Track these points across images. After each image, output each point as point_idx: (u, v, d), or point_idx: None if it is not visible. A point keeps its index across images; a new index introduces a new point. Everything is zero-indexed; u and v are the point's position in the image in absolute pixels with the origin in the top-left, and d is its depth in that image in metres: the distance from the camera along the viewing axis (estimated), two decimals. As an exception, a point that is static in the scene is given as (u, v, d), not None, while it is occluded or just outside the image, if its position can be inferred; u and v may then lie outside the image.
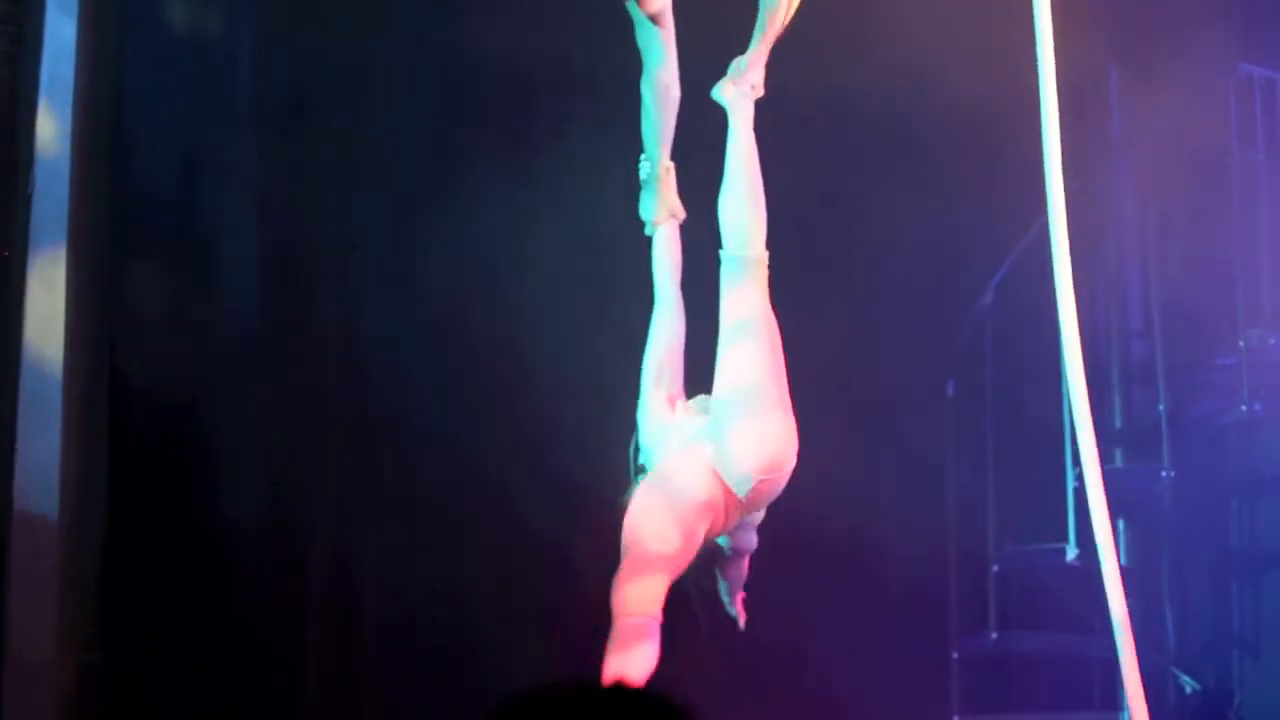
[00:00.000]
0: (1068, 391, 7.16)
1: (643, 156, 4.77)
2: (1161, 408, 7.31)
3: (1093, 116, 7.63)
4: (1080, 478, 7.10)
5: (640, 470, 4.70)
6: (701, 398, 4.70)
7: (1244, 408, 7.13)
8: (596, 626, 6.56)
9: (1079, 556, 7.08)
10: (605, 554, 6.69)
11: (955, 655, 7.32)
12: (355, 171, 6.55)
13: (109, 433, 5.77)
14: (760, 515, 4.78)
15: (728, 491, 4.51)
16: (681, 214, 4.76)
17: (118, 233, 5.91)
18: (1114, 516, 7.54)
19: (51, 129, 5.61)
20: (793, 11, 4.66)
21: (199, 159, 6.26)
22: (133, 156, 6.02)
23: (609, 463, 6.29)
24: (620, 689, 2.25)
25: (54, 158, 5.61)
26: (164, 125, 6.13)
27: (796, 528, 7.04)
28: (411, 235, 6.58)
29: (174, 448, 6.04)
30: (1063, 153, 7.20)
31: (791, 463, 4.59)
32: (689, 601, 6.83)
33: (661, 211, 4.72)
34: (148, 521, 5.86)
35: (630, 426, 4.77)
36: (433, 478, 6.42)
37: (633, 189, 4.88)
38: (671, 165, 4.75)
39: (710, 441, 4.51)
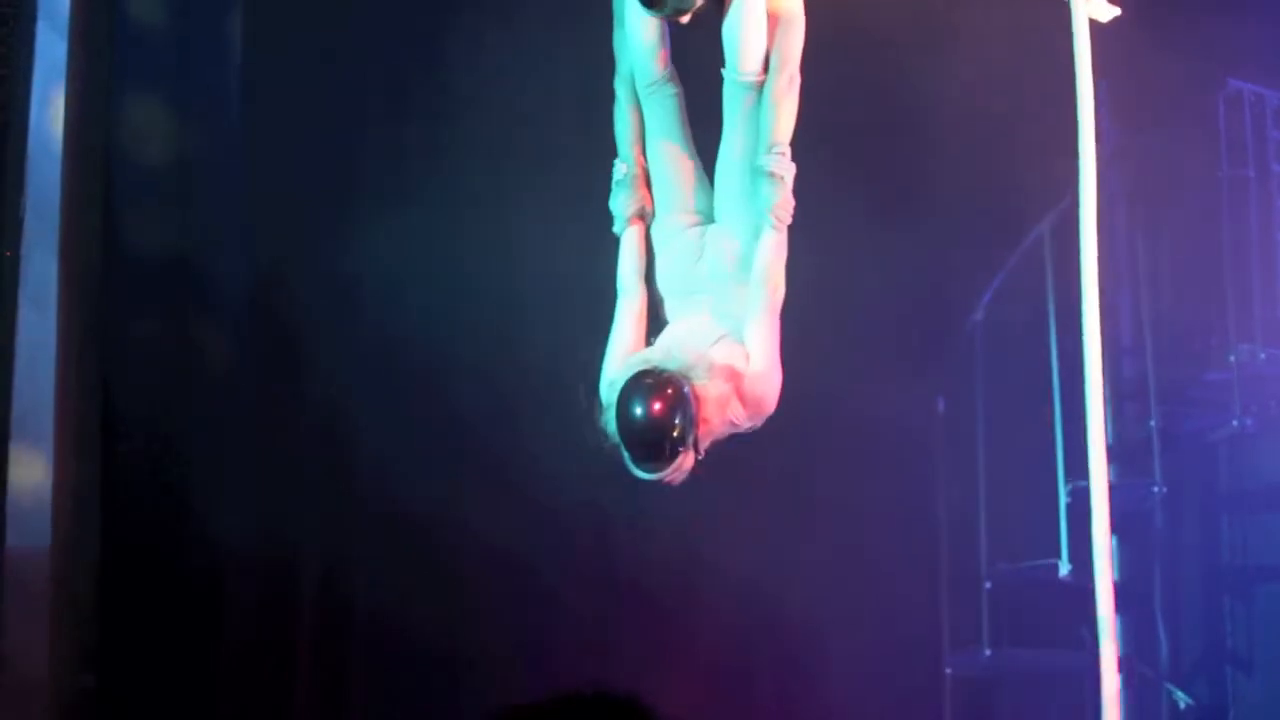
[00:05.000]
0: (1058, 407, 7.26)
1: (617, 159, 4.80)
2: (1153, 423, 7.32)
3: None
4: (1072, 493, 7.18)
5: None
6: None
7: (1235, 423, 7.13)
8: (584, 652, 6.60)
9: (1071, 572, 7.08)
10: (594, 580, 6.75)
11: (948, 672, 7.33)
12: (350, 196, 6.55)
13: (101, 453, 5.77)
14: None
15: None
16: (652, 213, 4.79)
17: (110, 252, 5.91)
18: (1106, 532, 7.59)
19: (43, 148, 5.62)
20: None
21: (191, 176, 6.25)
22: (125, 175, 6.01)
23: (598, 488, 6.32)
24: (603, 700, 2.25)
25: (46, 176, 5.61)
26: (155, 142, 6.12)
27: (789, 543, 7.07)
28: (405, 259, 6.59)
29: (167, 469, 6.02)
30: (1053, 169, 7.27)
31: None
32: (687, 615, 6.88)
33: (633, 209, 4.76)
34: (141, 542, 5.85)
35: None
36: (423, 504, 6.40)
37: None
38: (645, 164, 4.79)
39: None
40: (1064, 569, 7.10)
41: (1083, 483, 7.22)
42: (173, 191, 6.16)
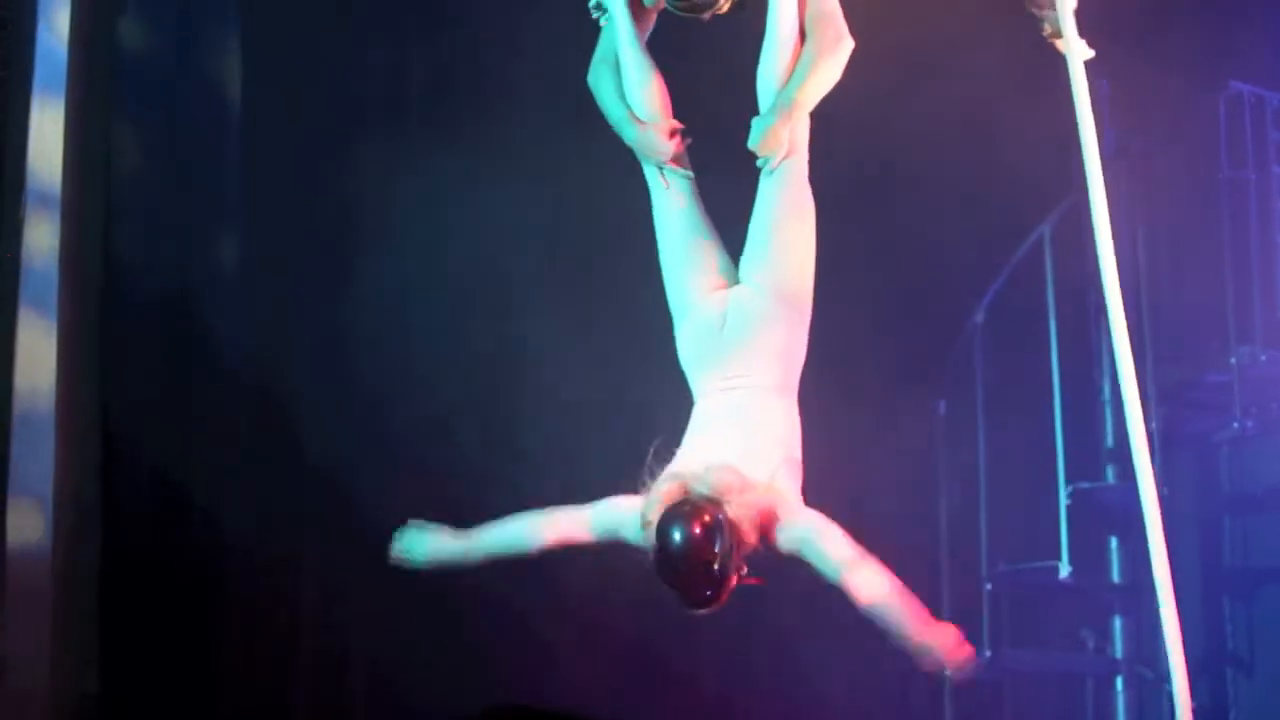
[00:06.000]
0: (1059, 409, 7.26)
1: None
2: (1153, 425, 7.30)
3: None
4: (1072, 495, 7.19)
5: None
6: None
7: (1235, 425, 7.13)
8: (581, 651, 6.60)
9: (1071, 574, 7.09)
10: (591, 585, 6.75)
11: (948, 673, 7.32)
12: (347, 220, 6.57)
13: (102, 457, 5.76)
14: None
15: None
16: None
17: (111, 255, 5.91)
18: (1106, 534, 7.61)
19: (43, 151, 5.62)
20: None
21: (191, 180, 6.25)
22: (125, 179, 6.01)
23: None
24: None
25: (46, 179, 5.61)
26: (155, 147, 6.12)
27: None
28: (401, 290, 6.61)
29: (168, 472, 6.02)
30: (1053, 170, 7.27)
31: None
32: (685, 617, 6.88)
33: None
34: (142, 546, 5.85)
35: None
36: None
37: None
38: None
39: None
40: (1064, 571, 7.10)
41: (1083, 484, 7.28)
42: (174, 195, 6.16)
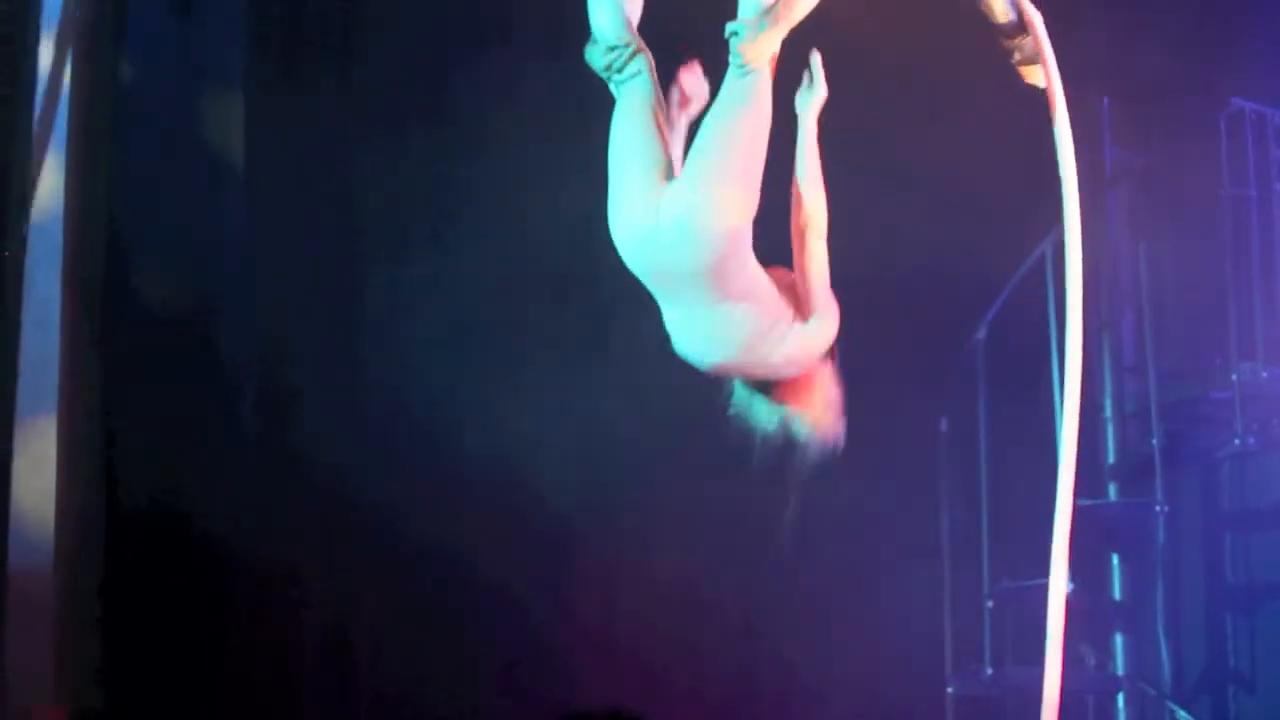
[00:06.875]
0: (1061, 426, 7.25)
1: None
2: (1155, 442, 7.31)
3: (1085, 150, 7.65)
4: (1074, 512, 7.17)
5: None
6: None
7: (1237, 441, 7.12)
8: (585, 669, 6.60)
9: (1073, 591, 7.07)
10: (595, 598, 6.76)
11: (950, 691, 7.32)
12: (353, 230, 6.58)
13: (105, 470, 5.77)
14: None
15: None
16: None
17: (113, 270, 5.92)
18: (1108, 551, 7.61)
19: (47, 164, 5.64)
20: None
21: (194, 194, 6.26)
22: (128, 191, 6.02)
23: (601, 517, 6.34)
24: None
25: (49, 192, 5.63)
26: (159, 163, 6.13)
27: (790, 562, 7.08)
28: (407, 300, 6.62)
29: (170, 487, 6.02)
30: (1055, 188, 7.28)
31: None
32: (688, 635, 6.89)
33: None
34: (144, 562, 5.85)
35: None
36: (425, 527, 6.41)
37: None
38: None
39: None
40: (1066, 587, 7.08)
41: (1085, 501, 7.27)
42: (177, 207, 6.17)
